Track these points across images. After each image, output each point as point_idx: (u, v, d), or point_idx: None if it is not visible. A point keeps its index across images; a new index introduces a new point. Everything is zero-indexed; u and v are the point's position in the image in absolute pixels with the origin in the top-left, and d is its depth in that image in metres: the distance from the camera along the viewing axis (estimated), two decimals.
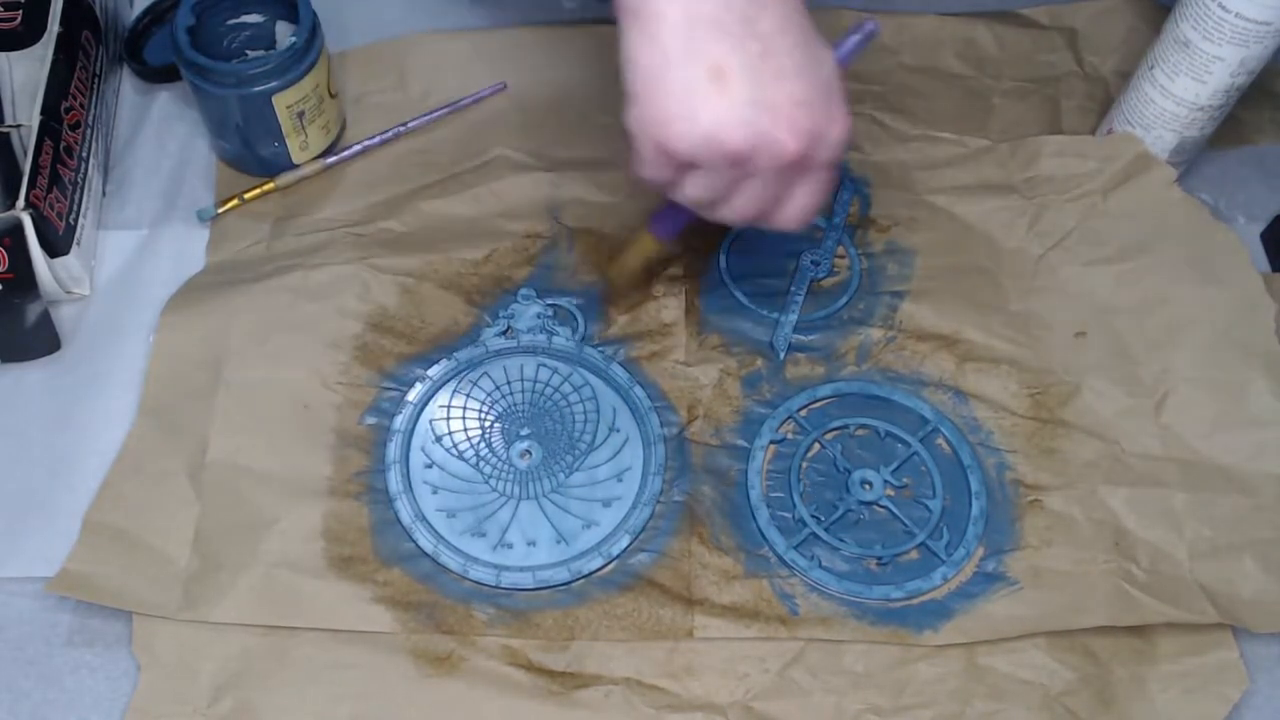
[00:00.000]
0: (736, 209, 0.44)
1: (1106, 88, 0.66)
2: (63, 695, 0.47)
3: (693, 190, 0.44)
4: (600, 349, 0.55)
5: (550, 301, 0.57)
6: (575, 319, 0.56)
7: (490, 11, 0.68)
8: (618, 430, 0.53)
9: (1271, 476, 0.51)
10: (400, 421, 0.53)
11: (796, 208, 0.45)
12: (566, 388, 0.55)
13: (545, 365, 0.55)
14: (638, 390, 0.54)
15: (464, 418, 0.54)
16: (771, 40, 0.40)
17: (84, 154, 0.58)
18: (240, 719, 0.46)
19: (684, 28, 0.39)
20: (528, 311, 0.56)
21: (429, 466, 0.52)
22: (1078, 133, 0.64)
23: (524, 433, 0.53)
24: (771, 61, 0.40)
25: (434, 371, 0.54)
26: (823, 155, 0.42)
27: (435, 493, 0.52)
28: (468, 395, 0.54)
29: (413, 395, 0.54)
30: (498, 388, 0.55)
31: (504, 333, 0.56)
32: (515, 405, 0.54)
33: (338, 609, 0.48)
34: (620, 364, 0.55)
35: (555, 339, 0.56)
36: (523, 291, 0.57)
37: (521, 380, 0.55)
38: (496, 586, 0.49)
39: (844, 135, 0.43)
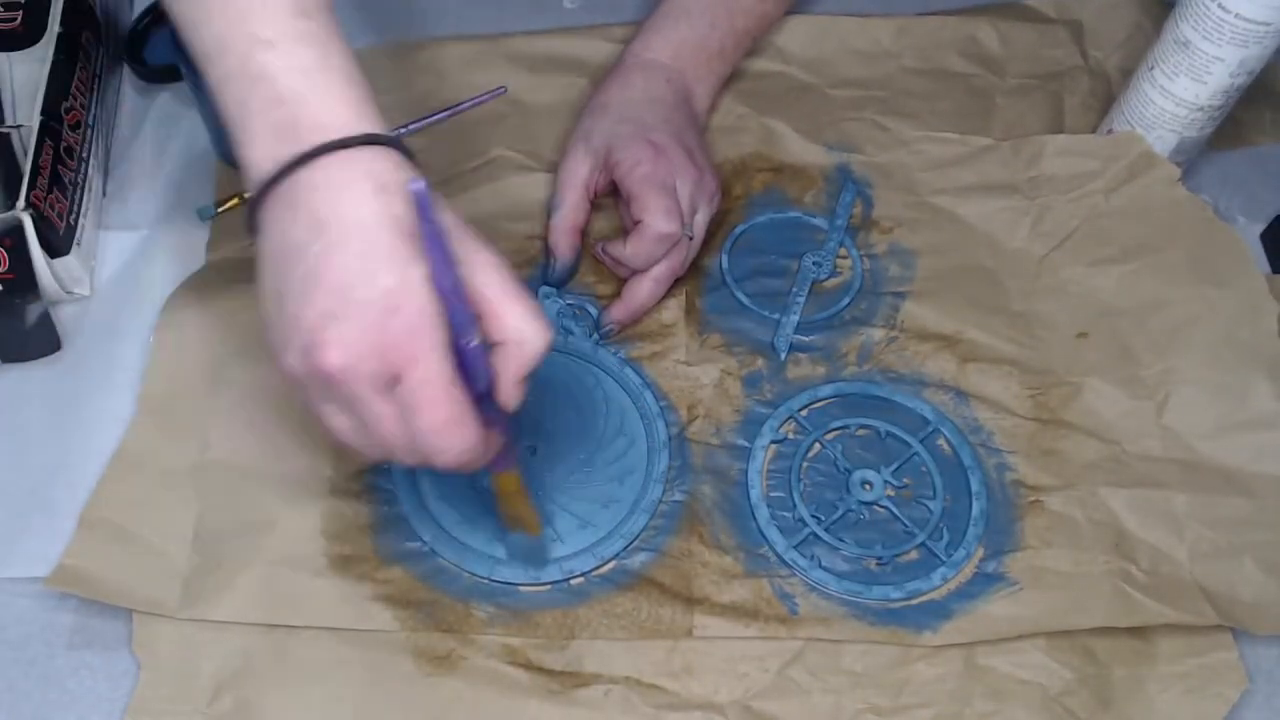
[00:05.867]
0: (374, 441, 0.39)
1: (1110, 84, 0.66)
2: (64, 696, 0.47)
3: (328, 420, 0.39)
4: (615, 351, 0.55)
5: (570, 301, 0.57)
6: (593, 319, 0.56)
7: (490, 14, 0.68)
8: (624, 434, 0.53)
9: (1273, 479, 0.51)
10: None
11: (421, 437, 0.37)
12: (578, 387, 0.55)
13: (559, 362, 0.55)
14: (648, 395, 0.54)
15: None
16: (318, 260, 0.36)
17: (84, 154, 0.58)
18: (240, 717, 0.46)
19: (261, 261, 0.38)
20: (548, 308, 0.56)
21: None
22: (1081, 129, 0.64)
23: (530, 428, 0.53)
24: (311, 280, 0.36)
25: None
26: (372, 367, 0.36)
27: (437, 480, 0.52)
28: None
29: None
30: None
31: None
32: (525, 401, 0.54)
33: (338, 607, 0.48)
34: (633, 368, 0.55)
35: (571, 338, 0.56)
36: (543, 289, 0.57)
37: (534, 375, 0.55)
38: (489, 578, 0.49)
39: (390, 340, 0.36)
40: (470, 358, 0.38)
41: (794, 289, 0.58)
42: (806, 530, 0.51)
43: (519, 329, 0.39)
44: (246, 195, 0.39)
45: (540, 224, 0.59)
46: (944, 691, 0.47)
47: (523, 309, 0.39)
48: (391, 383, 0.37)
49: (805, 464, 0.53)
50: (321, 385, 0.37)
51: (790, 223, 0.61)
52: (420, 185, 0.37)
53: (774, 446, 0.53)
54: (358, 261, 0.36)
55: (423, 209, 0.37)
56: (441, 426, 0.37)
